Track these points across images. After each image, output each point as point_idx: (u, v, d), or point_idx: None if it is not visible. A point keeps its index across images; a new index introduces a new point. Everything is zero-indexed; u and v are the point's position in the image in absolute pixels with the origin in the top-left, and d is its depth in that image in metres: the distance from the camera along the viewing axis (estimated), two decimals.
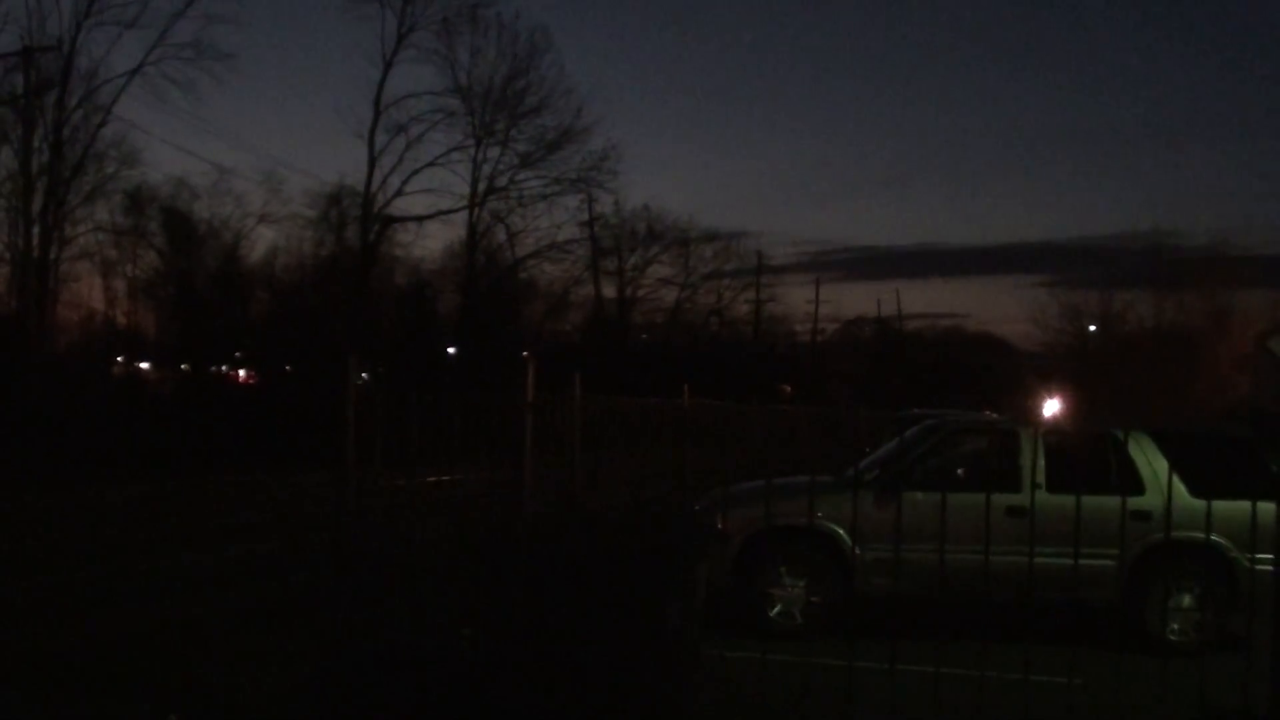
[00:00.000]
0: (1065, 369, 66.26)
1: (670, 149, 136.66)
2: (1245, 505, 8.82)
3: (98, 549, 17.38)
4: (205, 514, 22.15)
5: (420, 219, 59.51)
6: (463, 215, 60.75)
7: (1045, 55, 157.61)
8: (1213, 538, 11.34)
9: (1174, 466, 11.25)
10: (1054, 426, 14.29)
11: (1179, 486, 11.81)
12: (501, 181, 60.84)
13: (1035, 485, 12.31)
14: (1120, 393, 56.23)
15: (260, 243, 67.93)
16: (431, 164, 58.39)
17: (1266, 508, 8.37)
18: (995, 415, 20.73)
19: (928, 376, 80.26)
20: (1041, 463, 13.09)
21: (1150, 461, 13.36)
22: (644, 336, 75.03)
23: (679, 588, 8.87)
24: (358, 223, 57.97)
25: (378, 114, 56.77)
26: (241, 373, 59.76)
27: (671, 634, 8.58)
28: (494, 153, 60.47)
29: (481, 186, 60.37)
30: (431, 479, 11.59)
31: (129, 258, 59.46)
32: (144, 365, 58.78)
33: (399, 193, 57.82)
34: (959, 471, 13.61)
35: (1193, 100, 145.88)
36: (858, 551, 12.84)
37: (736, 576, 13.38)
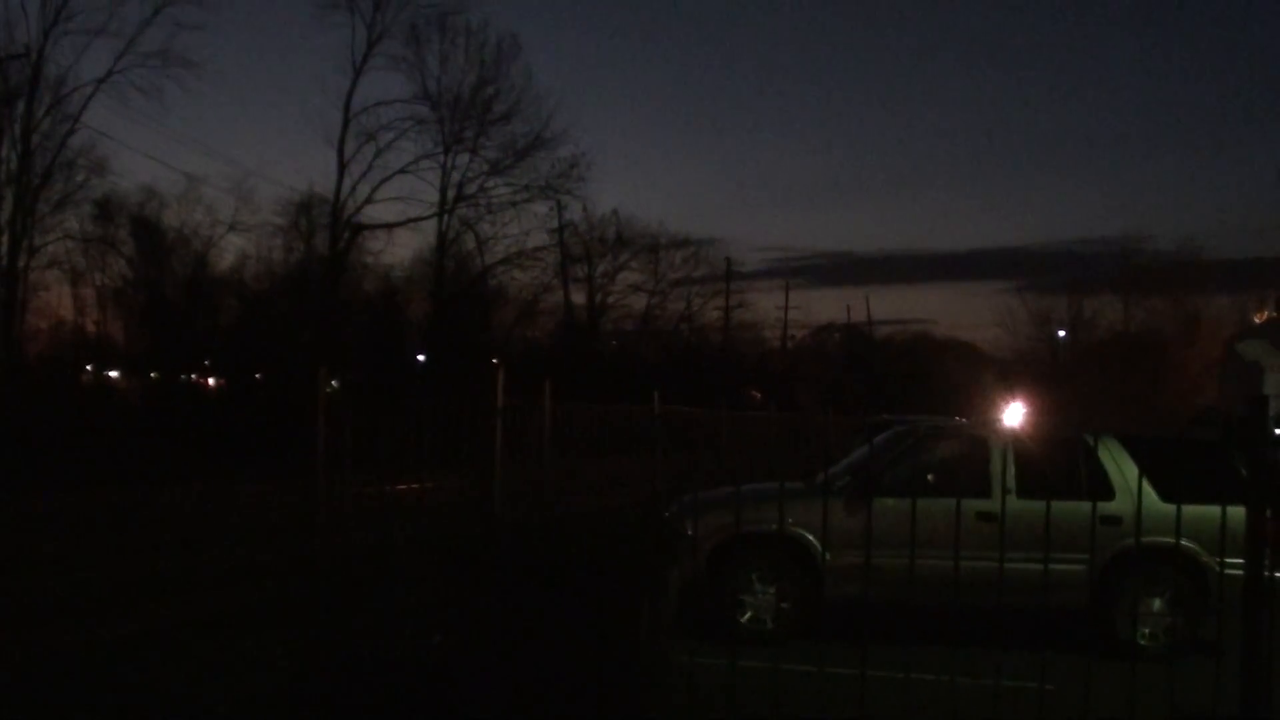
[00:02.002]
0: (1035, 374, 66.44)
1: (640, 156, 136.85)
2: (1215, 510, 8.84)
3: (61, 557, 17.26)
4: (173, 521, 22.02)
5: (390, 226, 59.50)
6: (432, 223, 60.82)
7: (1015, 62, 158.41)
8: (1183, 542, 11.37)
9: (1144, 471, 11.27)
10: (1024, 432, 14.31)
11: (1149, 491, 11.85)
12: (471, 189, 60.86)
13: (1005, 491, 12.32)
14: (1090, 398, 56.40)
15: (229, 251, 67.86)
16: (401, 171, 58.47)
17: (1236, 512, 8.37)
18: (965, 421, 20.75)
19: (897, 382, 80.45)
20: (1012, 468, 13.11)
21: (1120, 466, 13.40)
22: (614, 343, 75.06)
23: (650, 593, 8.86)
24: (327, 230, 57.98)
25: (347, 121, 56.80)
26: (211, 381, 59.62)
27: (642, 639, 8.56)
28: (463, 160, 60.53)
29: (451, 194, 60.39)
30: (402, 485, 11.57)
31: (98, 266, 59.46)
32: (113, 373, 58.64)
33: (368, 200, 57.85)
34: (929, 477, 13.61)
35: (1161, 106, 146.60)
36: (828, 558, 12.82)
37: (707, 582, 13.36)
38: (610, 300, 74.12)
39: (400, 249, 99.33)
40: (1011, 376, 65.22)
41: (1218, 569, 10.73)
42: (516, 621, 8.49)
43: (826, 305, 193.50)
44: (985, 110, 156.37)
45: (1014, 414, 17.05)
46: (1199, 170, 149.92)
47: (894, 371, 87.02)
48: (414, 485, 11.52)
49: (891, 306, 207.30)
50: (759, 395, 73.39)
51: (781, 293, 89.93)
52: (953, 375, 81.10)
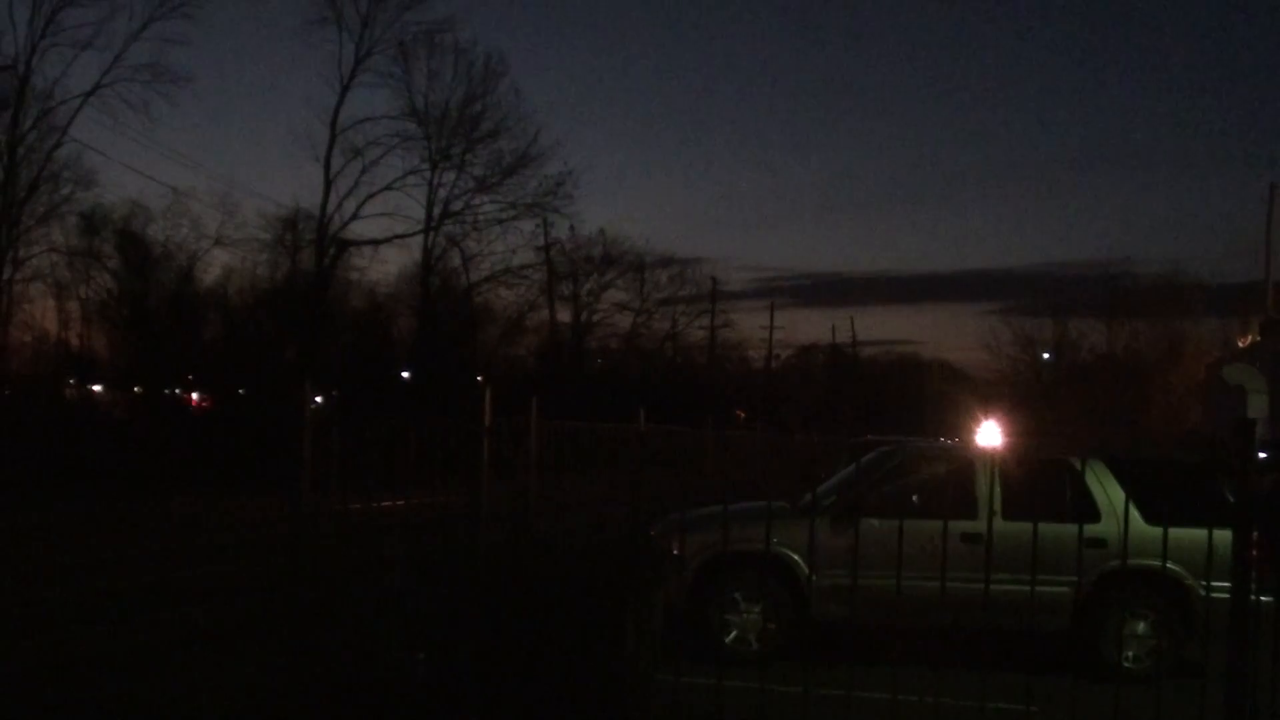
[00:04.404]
0: (1020, 396, 66.48)
1: (627, 174, 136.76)
2: (1200, 532, 8.83)
3: (41, 571, 17.21)
4: (154, 537, 21.96)
5: (376, 243, 59.52)
6: (418, 239, 60.78)
7: (1002, 85, 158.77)
8: (1168, 565, 11.37)
9: (1129, 494, 11.27)
10: (1010, 453, 14.31)
11: (1134, 514, 11.85)
12: (457, 206, 60.88)
13: (991, 512, 12.31)
14: (1074, 420, 56.44)
15: (215, 265, 67.70)
16: (387, 188, 58.46)
17: (1222, 535, 8.38)
18: (951, 442, 20.76)
19: (882, 403, 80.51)
20: (998, 490, 13.09)
21: (1106, 489, 13.40)
22: (599, 361, 75.05)
23: (635, 612, 8.83)
24: (313, 246, 57.97)
25: (334, 137, 56.82)
26: (194, 396, 59.53)
27: (627, 658, 8.54)
28: (450, 177, 60.57)
29: (437, 210, 60.40)
30: (387, 503, 11.53)
31: (83, 279, 59.53)
32: (96, 387, 58.50)
33: (354, 216, 57.85)
34: (914, 498, 13.59)
35: (1146, 130, 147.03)
36: (814, 578, 12.82)
37: (692, 602, 13.35)
38: (596, 318, 74.25)
39: (386, 265, 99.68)
40: (993, 398, 65.27)
41: (1203, 592, 10.75)
42: (501, 640, 8.47)
43: (811, 325, 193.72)
44: (972, 133, 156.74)
45: (988, 433, 17.02)
46: (1184, 194, 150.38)
47: (879, 392, 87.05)
48: (399, 502, 11.47)
49: (876, 327, 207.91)
50: (743, 415, 73.43)
51: (767, 312, 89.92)
52: (937, 397, 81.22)
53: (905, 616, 10.69)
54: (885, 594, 9.71)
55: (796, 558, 13.21)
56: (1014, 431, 17.26)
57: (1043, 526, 9.17)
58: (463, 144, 60.42)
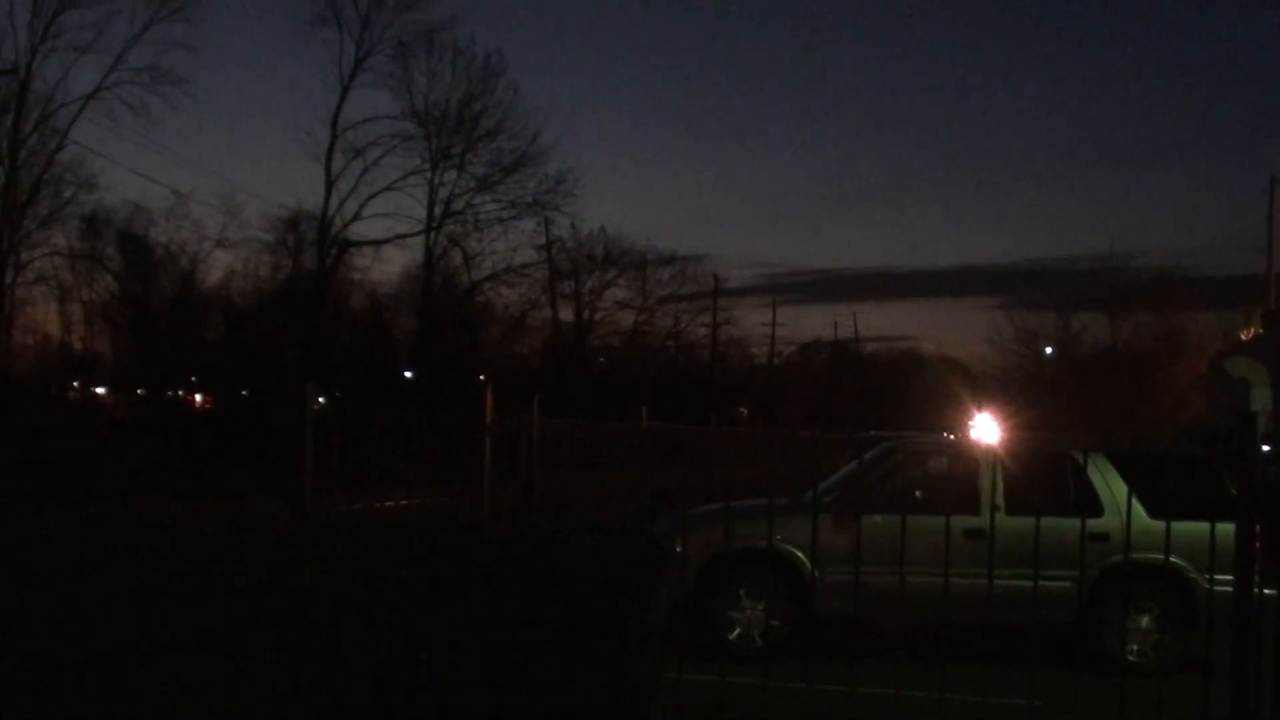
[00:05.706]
0: (1023, 390, 66.40)
1: (628, 172, 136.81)
2: (1204, 526, 8.82)
3: (44, 573, 17.19)
4: (157, 538, 21.95)
5: (377, 243, 59.45)
6: (420, 239, 60.68)
7: (1003, 79, 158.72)
8: (1171, 559, 11.36)
9: (1132, 488, 11.26)
10: (1013, 448, 14.28)
11: (1137, 508, 11.83)
12: (458, 205, 60.76)
13: (994, 507, 12.30)
14: (1077, 414, 56.40)
15: (217, 267, 67.72)
16: (389, 188, 58.37)
17: (1225, 528, 8.37)
18: (953, 437, 20.73)
19: (885, 398, 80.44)
20: (1000, 485, 13.08)
21: (1109, 483, 13.38)
22: (601, 359, 74.93)
23: (638, 610, 8.82)
24: (314, 247, 57.92)
25: (335, 138, 56.74)
26: (198, 397, 59.52)
27: (630, 656, 8.53)
28: (450, 176, 60.44)
29: (438, 210, 60.31)
30: (390, 502, 11.53)
31: (85, 282, 59.45)
32: (100, 390, 58.52)
33: (356, 216, 57.76)
34: (917, 494, 13.57)
35: (1148, 123, 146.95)
36: (817, 574, 12.80)
37: (696, 599, 13.34)
38: (598, 317, 74.01)
39: (388, 265, 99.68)
40: (996, 392, 65.16)
41: (1206, 585, 10.75)
42: (504, 638, 8.46)
43: (814, 322, 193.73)
44: (973, 127, 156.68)
45: (983, 426, 17.00)
46: (1185, 187, 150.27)
47: (882, 387, 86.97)
48: (401, 502, 11.48)
49: (879, 323, 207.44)
50: (745, 412, 73.34)
51: (769, 309, 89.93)
52: (940, 392, 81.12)
53: (909, 612, 10.68)
54: (889, 590, 9.70)
55: (800, 554, 13.20)
56: (1016, 426, 17.24)
57: (1045, 521, 9.17)
58: (463, 143, 60.42)
